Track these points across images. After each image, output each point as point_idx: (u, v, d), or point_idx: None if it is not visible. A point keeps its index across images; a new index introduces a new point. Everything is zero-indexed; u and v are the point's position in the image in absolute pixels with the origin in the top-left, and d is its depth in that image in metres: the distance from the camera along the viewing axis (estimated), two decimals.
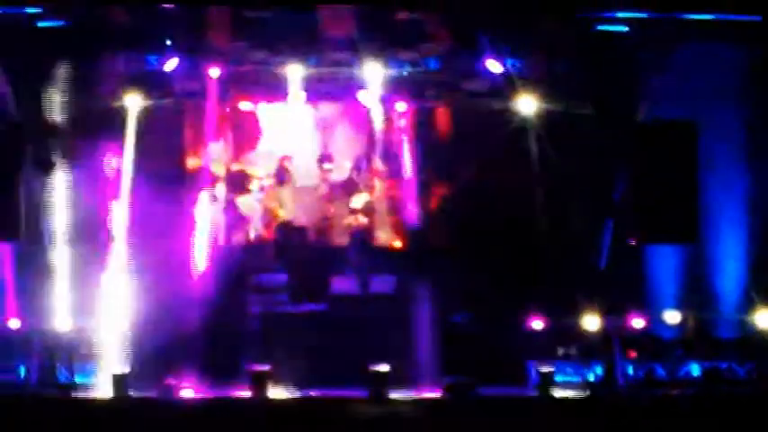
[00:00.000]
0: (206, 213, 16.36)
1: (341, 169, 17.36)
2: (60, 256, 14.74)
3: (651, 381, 14.59)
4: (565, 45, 15.25)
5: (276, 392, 13.80)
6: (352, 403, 13.38)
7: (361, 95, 16.09)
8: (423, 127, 17.00)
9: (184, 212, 16.15)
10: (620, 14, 14.86)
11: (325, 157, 17.32)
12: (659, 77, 14.63)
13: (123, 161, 15.52)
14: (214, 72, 15.69)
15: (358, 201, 17.10)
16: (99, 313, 14.82)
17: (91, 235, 15.07)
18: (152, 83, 15.65)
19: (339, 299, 15.40)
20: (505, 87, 15.70)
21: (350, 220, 17.02)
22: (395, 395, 13.64)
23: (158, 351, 14.26)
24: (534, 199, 15.88)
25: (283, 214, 16.95)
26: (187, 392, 13.73)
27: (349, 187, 17.22)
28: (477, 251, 16.42)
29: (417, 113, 16.92)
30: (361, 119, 17.03)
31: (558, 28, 15.19)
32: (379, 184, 17.10)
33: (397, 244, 16.93)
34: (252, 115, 17.28)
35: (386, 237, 16.94)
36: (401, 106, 16.69)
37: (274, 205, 17.01)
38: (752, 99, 15.38)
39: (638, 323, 14.86)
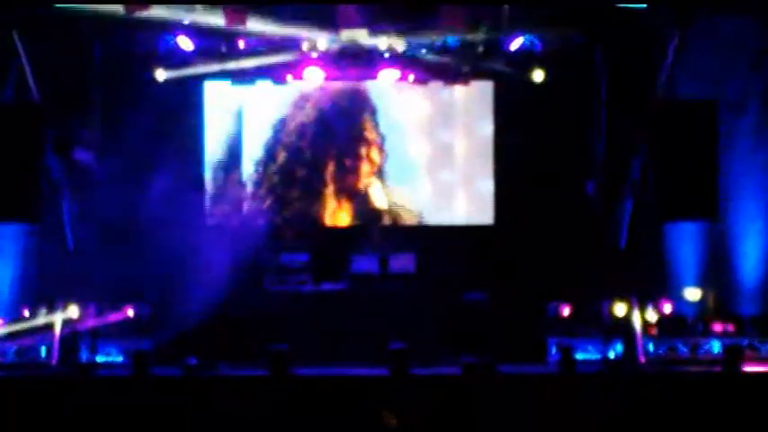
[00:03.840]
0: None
1: None
2: (81, 236, 14.80)
3: (672, 358, 14.55)
4: (583, 21, 15.15)
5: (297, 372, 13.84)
6: (372, 382, 13.39)
7: (380, 74, 15.97)
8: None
9: (204, 191, 16.28)
10: None
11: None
12: (678, 54, 14.52)
13: (144, 140, 15.56)
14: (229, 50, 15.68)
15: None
16: (118, 292, 14.91)
17: (112, 215, 15.13)
18: (170, 62, 15.62)
19: (359, 278, 15.44)
20: (524, 64, 15.65)
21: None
22: (415, 373, 13.65)
23: (180, 330, 14.33)
24: (553, 177, 15.91)
25: None
26: (208, 371, 13.77)
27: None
28: (496, 229, 16.47)
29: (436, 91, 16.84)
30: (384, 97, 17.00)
31: (576, 4, 15.09)
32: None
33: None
34: None
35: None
36: (419, 84, 16.57)
37: None
38: None
39: (659, 301, 14.87)
